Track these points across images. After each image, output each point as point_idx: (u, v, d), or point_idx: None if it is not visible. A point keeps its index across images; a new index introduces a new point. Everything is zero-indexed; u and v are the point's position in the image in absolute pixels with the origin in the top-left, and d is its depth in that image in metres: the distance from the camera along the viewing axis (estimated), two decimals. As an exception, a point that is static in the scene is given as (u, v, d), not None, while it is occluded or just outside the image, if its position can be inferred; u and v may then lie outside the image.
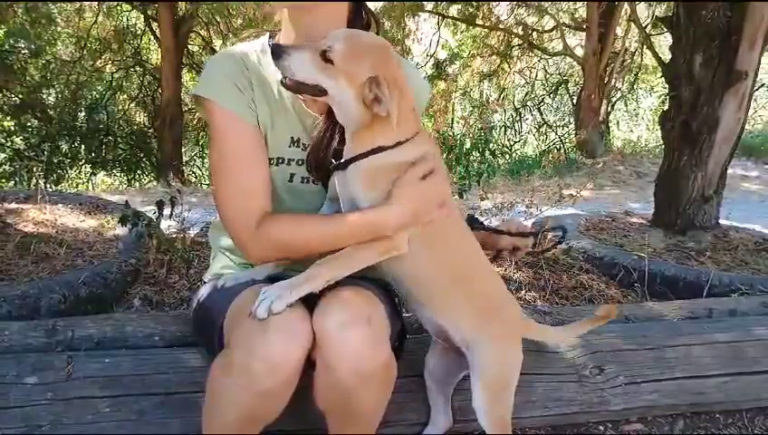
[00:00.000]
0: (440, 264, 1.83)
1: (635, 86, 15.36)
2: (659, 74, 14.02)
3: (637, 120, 15.82)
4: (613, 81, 13.25)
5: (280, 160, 1.90)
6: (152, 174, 11.81)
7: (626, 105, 15.48)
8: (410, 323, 2.12)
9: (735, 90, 4.01)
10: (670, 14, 4.46)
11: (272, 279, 1.92)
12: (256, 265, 1.94)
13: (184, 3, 10.61)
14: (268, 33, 1.96)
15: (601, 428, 2.54)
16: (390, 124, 1.63)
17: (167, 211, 3.52)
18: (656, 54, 5.29)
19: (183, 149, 11.87)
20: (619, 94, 14.77)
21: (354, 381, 1.62)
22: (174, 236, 3.63)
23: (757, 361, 2.63)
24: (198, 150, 13.95)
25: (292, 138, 1.89)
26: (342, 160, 1.75)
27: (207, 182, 12.62)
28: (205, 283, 2.10)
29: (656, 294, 3.55)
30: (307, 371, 1.65)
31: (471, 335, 1.89)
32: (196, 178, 13.08)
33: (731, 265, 3.92)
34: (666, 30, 12.23)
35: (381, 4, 12.05)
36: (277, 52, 1.66)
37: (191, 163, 13.55)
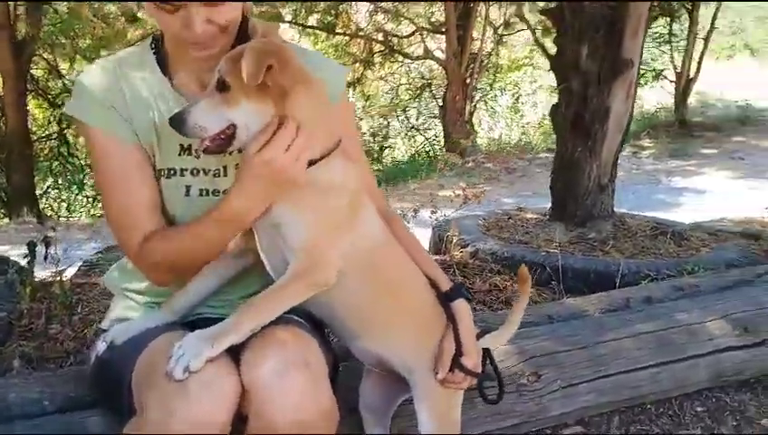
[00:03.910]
0: (374, 285, 1.68)
1: (493, 85, 15.82)
2: (512, 73, 14.68)
3: (496, 118, 16.31)
4: (474, 81, 13.57)
5: (171, 172, 1.71)
6: (2, 210, 10.80)
7: (486, 104, 15.91)
8: (338, 348, 1.95)
9: (623, 79, 4.08)
10: (553, 5, 4.52)
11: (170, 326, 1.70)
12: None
13: (23, 25, 9.81)
14: (152, 36, 1.78)
15: (541, 435, 2.51)
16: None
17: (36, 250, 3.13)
18: (543, 48, 5.34)
19: (35, 181, 10.91)
20: (480, 94, 15.16)
21: (296, 432, 1.44)
22: (49, 279, 3.24)
23: (682, 348, 2.67)
24: (53, 181, 12.94)
25: (181, 145, 1.69)
26: None
27: (66, 214, 11.76)
28: (103, 331, 1.83)
29: (569, 289, 3.54)
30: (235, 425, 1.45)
31: (413, 358, 1.76)
32: (53, 211, 12.11)
33: (634, 252, 4.00)
34: (521, 29, 12.74)
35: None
36: (177, 120, 1.48)
37: (46, 196, 12.52)
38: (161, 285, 1.75)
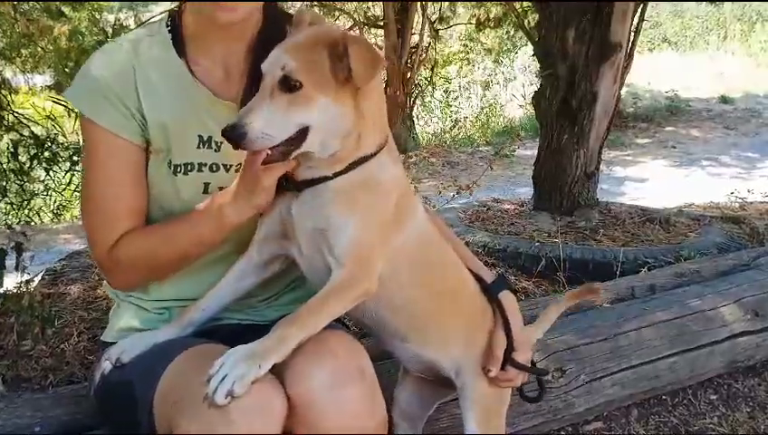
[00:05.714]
0: (425, 284, 1.56)
1: (432, 80, 15.80)
2: (448, 67, 14.71)
3: (433, 113, 16.30)
4: (415, 76, 13.48)
5: (189, 167, 1.56)
6: None
7: (422, 99, 15.89)
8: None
9: (611, 62, 4.02)
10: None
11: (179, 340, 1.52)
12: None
13: None
14: (168, 13, 1.61)
15: (563, 433, 2.41)
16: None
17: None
18: (526, 31, 5.23)
19: None
20: (418, 90, 15.11)
21: None
22: (16, 291, 2.96)
23: (699, 335, 2.63)
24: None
25: (200, 136, 1.55)
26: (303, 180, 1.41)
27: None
28: (106, 344, 1.63)
29: (568, 279, 3.44)
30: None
31: (463, 356, 1.64)
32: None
33: (626, 240, 3.95)
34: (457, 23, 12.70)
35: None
36: (237, 132, 1.25)
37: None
38: (125, 288, 1.65)
